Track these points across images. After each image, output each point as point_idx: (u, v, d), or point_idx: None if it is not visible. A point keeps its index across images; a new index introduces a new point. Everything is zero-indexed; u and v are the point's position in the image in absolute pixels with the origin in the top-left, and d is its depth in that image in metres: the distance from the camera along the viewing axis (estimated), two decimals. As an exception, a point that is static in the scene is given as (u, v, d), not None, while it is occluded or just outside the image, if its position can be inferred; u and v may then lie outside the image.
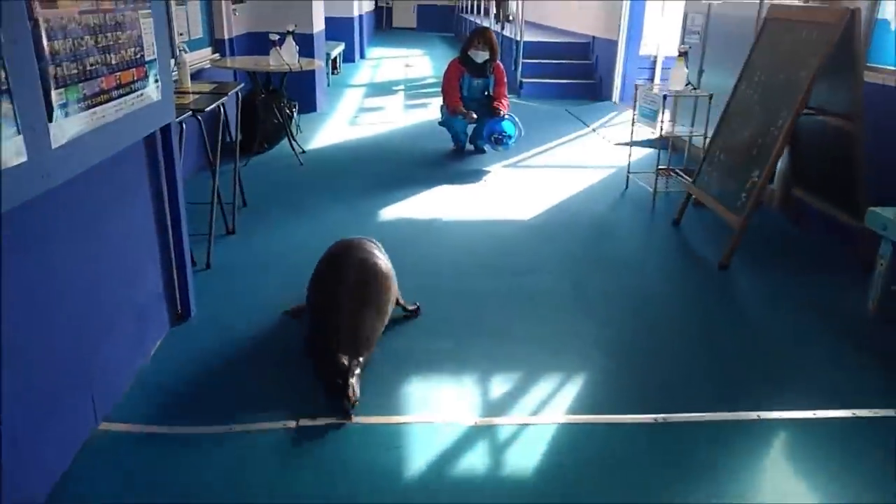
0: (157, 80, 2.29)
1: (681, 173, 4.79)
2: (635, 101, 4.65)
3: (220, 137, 3.52)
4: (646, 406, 2.26)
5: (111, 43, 1.94)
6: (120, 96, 2.01)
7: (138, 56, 2.14)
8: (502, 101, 5.43)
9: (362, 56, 12.88)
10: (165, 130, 2.52)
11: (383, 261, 2.71)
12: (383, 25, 22.38)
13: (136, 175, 2.41)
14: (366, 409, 2.21)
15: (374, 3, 18.75)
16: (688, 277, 3.42)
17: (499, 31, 10.48)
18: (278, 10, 6.72)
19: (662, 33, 7.92)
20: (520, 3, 8.77)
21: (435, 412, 2.22)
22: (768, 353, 2.68)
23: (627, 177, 4.83)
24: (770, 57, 3.62)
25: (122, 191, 2.28)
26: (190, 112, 3.09)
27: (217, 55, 5.73)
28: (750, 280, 3.39)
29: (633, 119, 4.68)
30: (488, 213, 4.26)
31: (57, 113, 1.66)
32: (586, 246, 3.79)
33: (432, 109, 7.68)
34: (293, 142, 5.40)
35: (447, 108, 5.43)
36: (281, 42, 5.05)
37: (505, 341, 2.70)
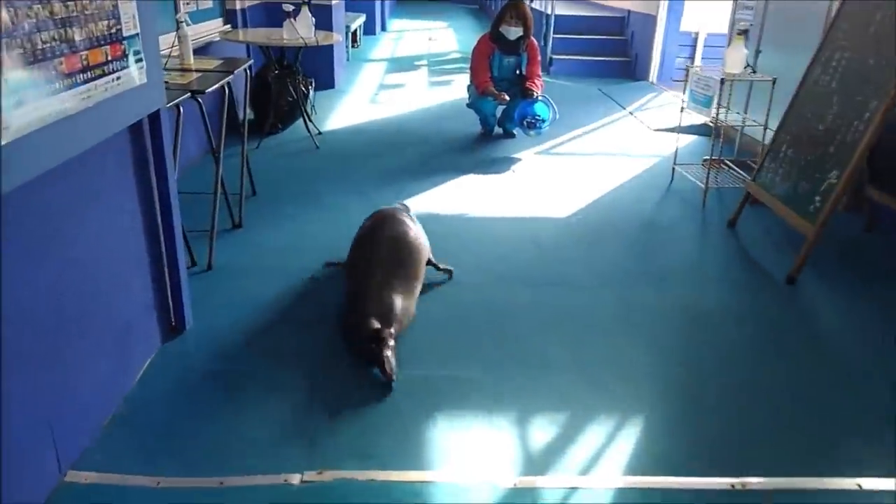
0: (139, 60, 1.91)
1: (733, 166, 4.33)
2: (685, 85, 4.19)
3: (225, 119, 3.14)
4: (719, 466, 1.88)
5: (74, 14, 1.56)
6: (88, 80, 1.64)
7: (113, 31, 1.75)
8: (535, 81, 4.98)
9: (384, 28, 12.39)
10: (155, 118, 2.15)
11: (413, 229, 2.77)
12: (406, -4, 21.72)
13: (118, 171, 2.04)
14: (381, 458, 1.86)
15: (396, -28, 18.12)
16: (752, 293, 3.00)
17: (528, 3, 9.93)
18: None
19: (705, 8, 7.36)
20: (552, -27, 8.22)
21: (465, 467, 1.86)
22: (865, 396, 2.27)
23: (673, 169, 4.39)
24: (853, 38, 3.15)
25: (98, 190, 1.92)
26: (189, 94, 2.71)
27: (228, 27, 5.34)
28: (826, 298, 2.97)
29: (683, 105, 4.22)
30: (520, 208, 3.86)
31: (-6, 105, 1.29)
32: (632, 251, 3.38)
33: (457, 88, 7.24)
34: (308, 122, 5.01)
35: (476, 89, 5.00)
36: (296, 13, 4.63)
37: (543, 370, 2.33)
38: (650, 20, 7.64)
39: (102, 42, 1.70)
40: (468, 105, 5.20)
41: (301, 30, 4.60)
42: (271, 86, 4.91)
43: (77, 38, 1.58)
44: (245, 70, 3.47)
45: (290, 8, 4.59)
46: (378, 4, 11.44)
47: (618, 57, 8.39)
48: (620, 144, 5.32)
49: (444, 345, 2.46)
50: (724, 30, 7.54)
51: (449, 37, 12.11)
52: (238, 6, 5.44)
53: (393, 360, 2.17)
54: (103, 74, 1.71)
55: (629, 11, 8.49)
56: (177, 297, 2.40)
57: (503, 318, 2.66)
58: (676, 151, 4.38)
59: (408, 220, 2.81)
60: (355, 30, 9.38)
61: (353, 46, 9.64)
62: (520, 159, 4.79)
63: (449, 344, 2.46)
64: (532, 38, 4.95)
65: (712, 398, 2.23)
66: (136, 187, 2.14)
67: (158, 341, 2.35)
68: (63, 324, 1.74)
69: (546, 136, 5.17)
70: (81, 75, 1.60)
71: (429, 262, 2.80)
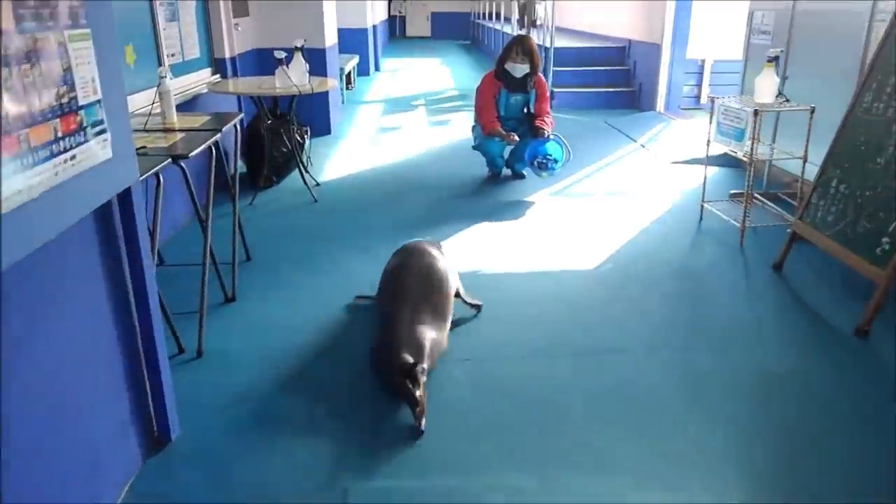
0: (101, 132, 1.58)
1: (766, 201, 4.00)
2: (711, 117, 3.88)
3: (213, 182, 2.81)
4: None
5: (7, 85, 1.22)
6: (36, 164, 1.30)
7: (66, 100, 1.42)
8: (545, 118, 4.68)
9: (377, 68, 12.21)
10: (125, 196, 1.80)
11: (441, 261, 2.76)
12: (397, 34, 21.80)
13: (81, 265, 1.69)
14: None
15: (387, 12, 18.14)
16: (821, 351, 2.63)
17: (523, 37, 9.75)
18: (287, 24, 6.04)
19: (711, 35, 7.14)
20: (549, 5, 8.02)
21: None
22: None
23: (702, 206, 4.05)
24: (909, 61, 2.84)
25: (53, 294, 1.56)
26: (169, 160, 2.38)
27: (217, 77, 5.05)
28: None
29: (709, 139, 3.90)
30: (541, 259, 3.51)
31: None
32: (673, 305, 3.02)
33: (457, 127, 6.97)
34: (305, 173, 4.69)
35: (482, 129, 4.69)
36: (288, 60, 4.35)
37: (603, 474, 1.94)
38: (654, 49, 7.41)
39: (50, 115, 1.36)
40: (474, 147, 4.89)
41: (294, 77, 4.31)
42: (264, 137, 4.60)
43: (13, 112, 1.24)
44: (235, 126, 3.15)
45: (282, 55, 4.31)
46: (371, 44, 11.27)
47: (621, 87, 8.14)
48: (637, 180, 5.00)
49: (479, 440, 2.08)
50: (732, 56, 7.34)
51: (444, 73, 11.93)
52: (227, 55, 5.17)
53: (423, 399, 2.14)
54: (52, 155, 1.37)
55: (630, 41, 8.28)
56: (159, 403, 2.02)
57: (544, 400, 2.29)
58: (704, 187, 4.04)
59: (435, 252, 2.81)
60: (349, 71, 9.16)
61: (347, 88, 9.42)
62: (533, 203, 4.46)
63: (485, 439, 2.08)
64: (539, 74, 4.66)
65: (813, 488, 1.85)
66: (106, 281, 1.78)
67: (140, 459, 1.97)
68: (11, 459, 1.37)
69: (557, 175, 4.83)
70: (25, 158, 1.26)
71: (457, 295, 2.80)
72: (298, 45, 4.41)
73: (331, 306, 2.97)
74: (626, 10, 8.41)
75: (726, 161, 5.25)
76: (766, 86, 3.56)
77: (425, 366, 2.25)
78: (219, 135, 2.81)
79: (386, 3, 17.71)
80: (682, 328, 2.80)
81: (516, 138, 4.55)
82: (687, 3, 6.97)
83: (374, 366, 2.43)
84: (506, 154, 4.90)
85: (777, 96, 3.61)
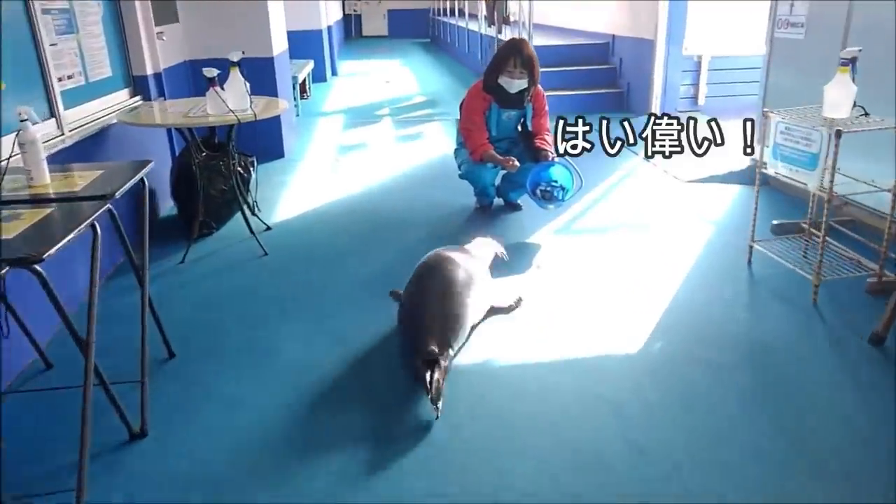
0: None
1: (836, 243, 3.22)
2: (763, 138, 3.09)
3: (96, 283, 1.90)
4: None
5: None
6: None
7: None
8: (546, 137, 3.84)
9: (334, 73, 11.24)
10: None
11: (461, 273, 2.64)
12: (353, 34, 20.79)
13: None
14: None
15: (342, 10, 17.11)
16: None
17: (493, 36, 8.93)
18: (225, 30, 5.09)
19: (707, 29, 6.41)
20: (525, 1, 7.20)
21: None
22: None
23: (751, 247, 3.27)
24: None
25: None
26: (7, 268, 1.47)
27: (138, 99, 4.09)
28: None
29: (762, 168, 3.12)
30: (568, 338, 2.66)
31: None
32: (755, 408, 2.21)
33: (429, 141, 6.12)
34: (251, 216, 3.77)
35: (471, 155, 3.83)
36: (223, 78, 3.43)
37: None
38: (643, 45, 6.64)
39: None
40: (461, 176, 4.02)
41: (231, 100, 3.39)
42: (197, 175, 3.66)
43: None
44: (142, 181, 2.23)
45: (214, 73, 3.38)
46: (326, 47, 10.30)
47: (607, 88, 7.36)
48: (654, 207, 4.21)
49: None
50: (732, 52, 6.64)
51: (406, 77, 11.03)
52: (149, 70, 4.20)
53: (442, 384, 2.19)
54: None
55: (613, 36, 7.51)
56: None
57: None
58: (754, 225, 3.24)
59: (457, 260, 2.70)
60: (304, 79, 8.21)
61: (302, 98, 8.47)
62: (538, 245, 3.62)
63: None
64: (538, 85, 3.82)
65: None
66: None
67: None
68: None
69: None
70: None
71: (492, 310, 2.81)
72: (234, 60, 3.48)
73: (286, 433, 2.09)
74: (608, 1, 7.63)
75: (743, 177, 4.52)
76: (839, 96, 2.78)
77: (452, 351, 2.39)
78: (106, 206, 1.90)
79: (340, 1, 16.69)
80: (776, 453, 1.98)
81: (517, 164, 3.69)
82: (683, -8, 6.21)
83: (400, 347, 2.55)
84: (497, 180, 4.05)
85: (853, 108, 2.83)
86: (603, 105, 7.17)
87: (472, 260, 2.83)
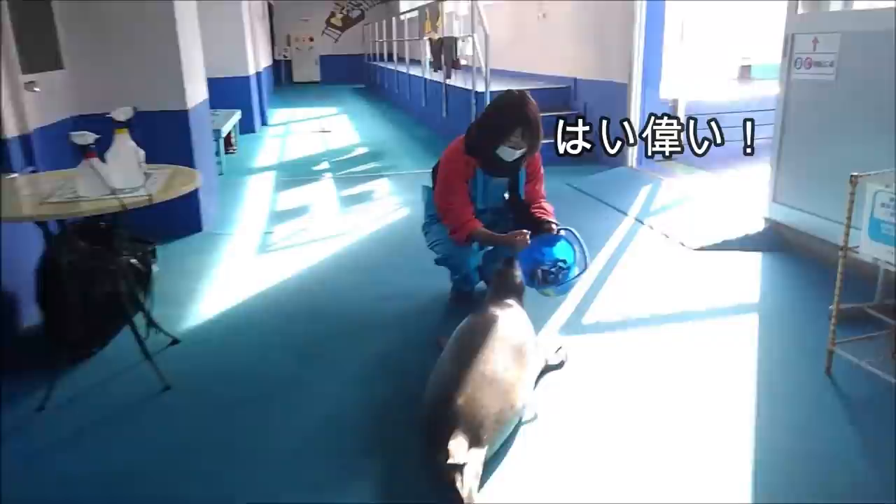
0: None
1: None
2: (848, 210, 2.33)
3: None
4: None
5: None
6: None
7: None
8: (544, 205, 3.03)
9: (264, 122, 10.26)
10: None
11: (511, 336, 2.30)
12: (283, 80, 19.90)
13: None
14: None
15: (271, 56, 16.20)
16: None
17: (440, 81, 8.19)
18: (128, 77, 4.12)
19: (683, 72, 5.83)
20: (481, 41, 6.47)
21: None
22: None
23: (830, 354, 2.46)
24: None
25: None
26: None
27: (-9, 171, 3.01)
28: None
29: (854, 251, 2.35)
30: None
31: None
32: None
33: (381, 203, 5.24)
34: (150, 325, 2.74)
35: (455, 235, 2.93)
36: (102, 149, 2.44)
37: None
38: (612, 89, 5.99)
39: None
40: (438, 261, 3.09)
41: (116, 175, 2.40)
42: (68, 276, 2.60)
43: None
44: None
45: (90, 140, 2.38)
46: (255, 95, 9.33)
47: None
48: (670, 287, 3.40)
49: None
50: (705, 97, 6.09)
51: (345, 126, 10.16)
52: (12, 132, 3.14)
53: (475, 485, 1.79)
54: None
55: (575, 80, 6.87)
56: None
57: None
58: (834, 325, 2.45)
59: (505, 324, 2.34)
60: (229, 131, 7.20)
61: (227, 152, 7.46)
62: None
63: None
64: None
65: None
66: None
67: None
68: None
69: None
70: None
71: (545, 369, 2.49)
72: (121, 120, 2.50)
73: None
74: (570, 44, 7.02)
75: (761, 242, 3.82)
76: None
77: (484, 448, 1.89)
78: None
79: (269, 45, 15.78)
80: None
81: (528, 238, 2.79)
82: (657, 31, 5.60)
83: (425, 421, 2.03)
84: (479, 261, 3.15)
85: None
86: (571, 156, 6.45)
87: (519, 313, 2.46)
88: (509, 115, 2.77)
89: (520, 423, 2.18)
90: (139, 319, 2.73)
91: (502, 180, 2.98)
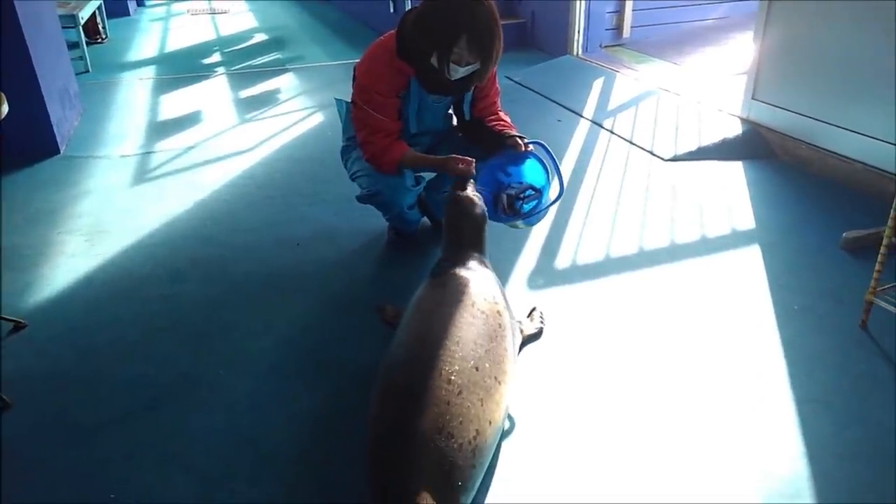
0: None
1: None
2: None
3: None
4: None
5: None
6: None
7: None
8: (504, 118, 2.36)
9: (140, 2, 8.69)
10: None
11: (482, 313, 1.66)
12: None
13: None
14: None
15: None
16: None
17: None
18: None
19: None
20: None
21: None
22: None
23: (869, 305, 1.99)
24: None
25: None
26: None
27: None
28: None
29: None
30: None
31: None
32: None
33: (288, 106, 4.35)
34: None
35: (378, 165, 2.20)
36: None
37: None
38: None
39: None
40: (362, 198, 2.34)
41: None
42: None
43: None
44: None
45: None
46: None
47: (503, 20, 5.81)
48: (646, 212, 2.82)
49: None
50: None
51: (238, 6, 8.74)
52: None
53: None
54: None
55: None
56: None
57: None
58: (880, 271, 1.96)
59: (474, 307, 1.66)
60: (91, 15, 5.89)
61: (95, 42, 6.19)
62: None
63: None
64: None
65: None
66: None
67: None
68: None
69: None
70: None
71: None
72: None
73: None
74: None
75: (743, 149, 3.31)
76: None
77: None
78: None
79: None
80: None
81: (472, 169, 2.09)
82: None
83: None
84: (418, 193, 2.45)
85: None
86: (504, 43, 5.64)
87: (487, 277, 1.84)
88: (451, 15, 1.97)
89: (501, 440, 1.61)
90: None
91: (445, 99, 2.24)
